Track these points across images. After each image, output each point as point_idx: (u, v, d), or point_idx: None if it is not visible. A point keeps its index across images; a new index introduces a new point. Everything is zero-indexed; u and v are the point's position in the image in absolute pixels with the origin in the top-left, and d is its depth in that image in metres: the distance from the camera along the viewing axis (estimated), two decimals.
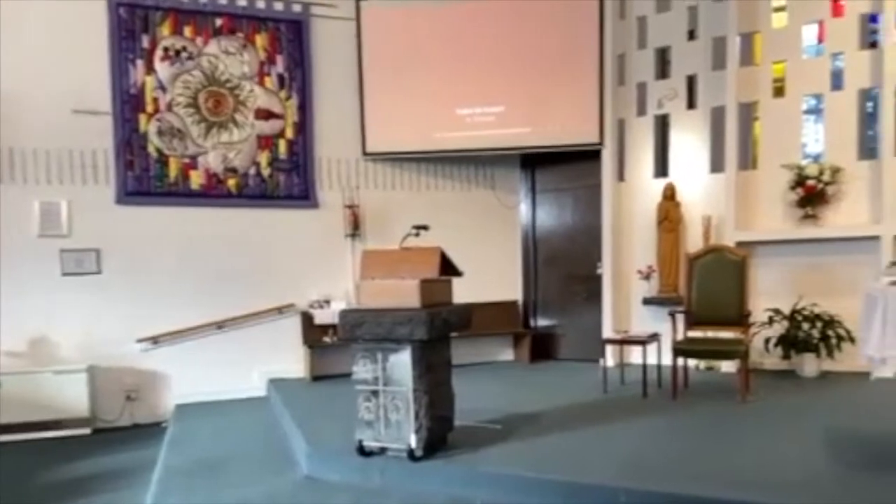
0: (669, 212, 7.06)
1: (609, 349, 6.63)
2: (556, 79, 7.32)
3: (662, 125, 7.42)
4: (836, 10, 6.70)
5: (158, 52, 6.79)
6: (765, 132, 6.98)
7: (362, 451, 4.11)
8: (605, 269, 7.41)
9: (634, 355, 6.71)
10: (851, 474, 3.52)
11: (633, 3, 7.40)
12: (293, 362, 7.09)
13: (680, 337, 5.78)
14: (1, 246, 6.22)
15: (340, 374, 6.50)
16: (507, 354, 8.05)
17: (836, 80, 6.65)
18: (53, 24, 6.37)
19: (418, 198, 7.73)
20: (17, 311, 6.17)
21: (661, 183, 7.19)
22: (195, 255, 6.85)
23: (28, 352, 6.23)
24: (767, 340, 6.42)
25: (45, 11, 6.33)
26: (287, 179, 7.28)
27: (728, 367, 6.48)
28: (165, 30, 6.81)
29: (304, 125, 7.35)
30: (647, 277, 7.16)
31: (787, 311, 6.39)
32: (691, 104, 7.19)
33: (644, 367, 5.76)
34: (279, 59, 7.24)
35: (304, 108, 7.34)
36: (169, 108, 6.84)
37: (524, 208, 8.27)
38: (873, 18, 6.51)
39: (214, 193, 7.00)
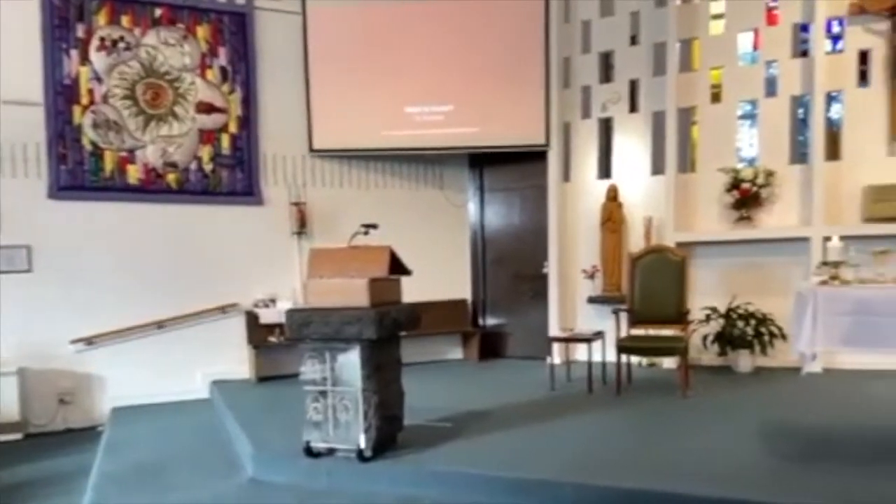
0: (613, 212, 7.22)
1: (555, 347, 6.75)
2: (503, 80, 7.38)
3: (606, 128, 7.58)
4: (771, 19, 6.99)
5: (94, 42, 6.51)
6: (702, 136, 7.22)
7: (310, 453, 4.06)
8: (551, 269, 7.52)
9: (580, 353, 6.87)
10: (784, 465, 3.68)
11: (578, 6, 7.52)
12: (237, 363, 6.92)
13: (623, 335, 5.93)
14: None
15: (287, 375, 6.41)
16: (457, 353, 8.08)
17: (770, 87, 6.92)
18: None
19: (367, 196, 7.66)
20: None
21: (605, 184, 7.34)
22: (133, 253, 6.61)
23: None
24: (705, 338, 6.64)
25: None
26: (230, 175, 7.10)
27: (669, 363, 6.68)
28: (102, 19, 6.53)
29: (248, 120, 7.17)
30: (591, 277, 7.31)
31: (723, 309, 6.62)
32: (634, 108, 7.36)
33: (589, 364, 5.87)
34: (222, 52, 7.05)
35: (249, 103, 7.17)
36: (105, 99, 6.57)
37: (473, 207, 8.30)
38: (804, 28, 6.79)
39: (153, 189, 6.77)
